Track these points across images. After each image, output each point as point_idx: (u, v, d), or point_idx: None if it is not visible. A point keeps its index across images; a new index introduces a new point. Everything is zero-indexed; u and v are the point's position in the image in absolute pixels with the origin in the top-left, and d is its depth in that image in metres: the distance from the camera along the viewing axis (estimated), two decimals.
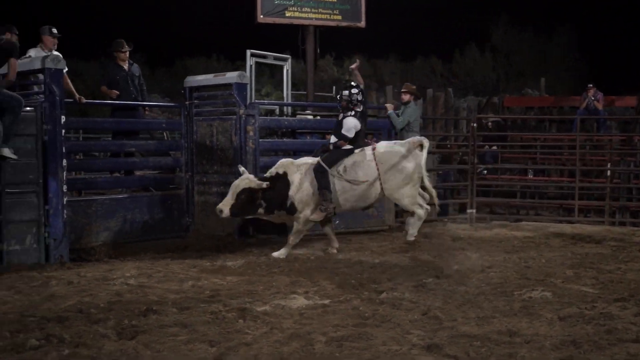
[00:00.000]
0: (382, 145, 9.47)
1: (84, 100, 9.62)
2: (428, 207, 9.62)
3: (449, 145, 15.42)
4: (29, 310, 6.26)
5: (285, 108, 11.95)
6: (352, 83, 9.40)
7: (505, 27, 30.47)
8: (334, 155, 9.15)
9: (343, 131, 9.15)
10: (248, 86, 10.45)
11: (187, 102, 10.53)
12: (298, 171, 9.10)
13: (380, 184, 9.23)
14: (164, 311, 6.17)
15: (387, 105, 11.95)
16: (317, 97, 17.45)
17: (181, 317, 6.02)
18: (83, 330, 5.56)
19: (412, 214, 9.43)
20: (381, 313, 6.14)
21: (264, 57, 12.56)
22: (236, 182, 8.83)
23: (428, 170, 12.87)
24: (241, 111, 9.93)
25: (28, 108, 8.23)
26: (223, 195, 10.10)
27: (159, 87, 27.71)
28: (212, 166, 10.40)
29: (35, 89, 8.76)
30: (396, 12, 25.33)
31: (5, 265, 8.00)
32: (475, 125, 12.85)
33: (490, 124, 16.23)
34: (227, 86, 10.25)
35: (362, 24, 15.73)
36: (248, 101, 10.27)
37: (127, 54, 10.34)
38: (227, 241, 9.88)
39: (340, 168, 9.12)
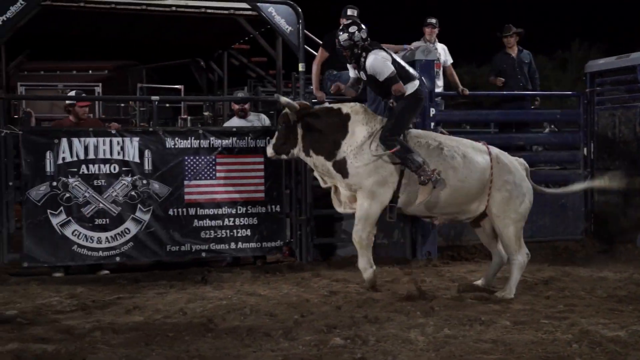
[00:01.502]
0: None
1: (467, 92, 9.21)
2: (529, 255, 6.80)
3: None
4: (363, 305, 6.11)
5: None
6: (346, 21, 6.98)
7: None
8: (398, 112, 6.53)
9: (381, 77, 6.50)
10: None
11: (587, 90, 9.36)
12: (367, 125, 6.66)
13: (489, 195, 6.59)
14: (493, 322, 5.45)
15: None
16: None
17: (508, 332, 5.24)
18: (393, 334, 5.17)
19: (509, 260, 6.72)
20: None
21: None
22: None
23: None
24: None
25: None
26: (626, 195, 8.84)
27: None
28: (614, 162, 9.15)
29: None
30: None
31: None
32: None
33: None
34: (631, 69, 8.83)
35: None
36: None
37: (513, 39, 9.59)
38: (623, 249, 8.52)
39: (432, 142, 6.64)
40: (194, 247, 7.59)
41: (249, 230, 7.72)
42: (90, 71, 20.15)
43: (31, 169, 7.18)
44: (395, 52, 8.36)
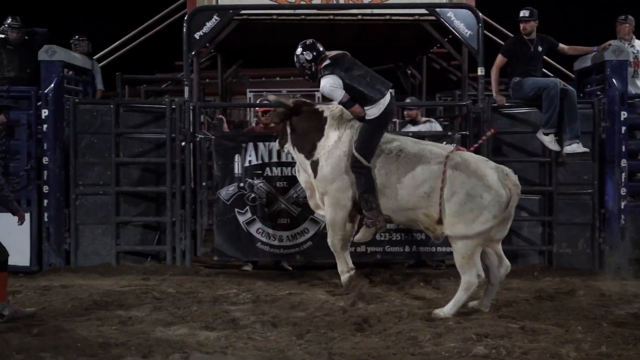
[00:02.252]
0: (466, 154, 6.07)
1: None
2: (484, 277, 5.84)
3: None
4: (525, 316, 5.93)
5: None
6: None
7: None
8: (365, 135, 6.34)
9: (335, 102, 6.45)
10: None
11: None
12: (338, 130, 6.56)
13: (440, 203, 5.91)
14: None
15: None
16: None
17: None
18: (542, 348, 4.99)
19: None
20: None
21: None
22: None
23: None
24: None
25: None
26: None
27: None
28: None
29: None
30: None
31: (554, 268, 7.71)
32: None
33: None
34: None
35: None
36: None
37: None
38: None
39: (393, 146, 6.32)
40: (369, 249, 7.79)
41: (424, 234, 7.74)
42: None
43: (221, 171, 7.81)
44: (584, 54, 8.00)
